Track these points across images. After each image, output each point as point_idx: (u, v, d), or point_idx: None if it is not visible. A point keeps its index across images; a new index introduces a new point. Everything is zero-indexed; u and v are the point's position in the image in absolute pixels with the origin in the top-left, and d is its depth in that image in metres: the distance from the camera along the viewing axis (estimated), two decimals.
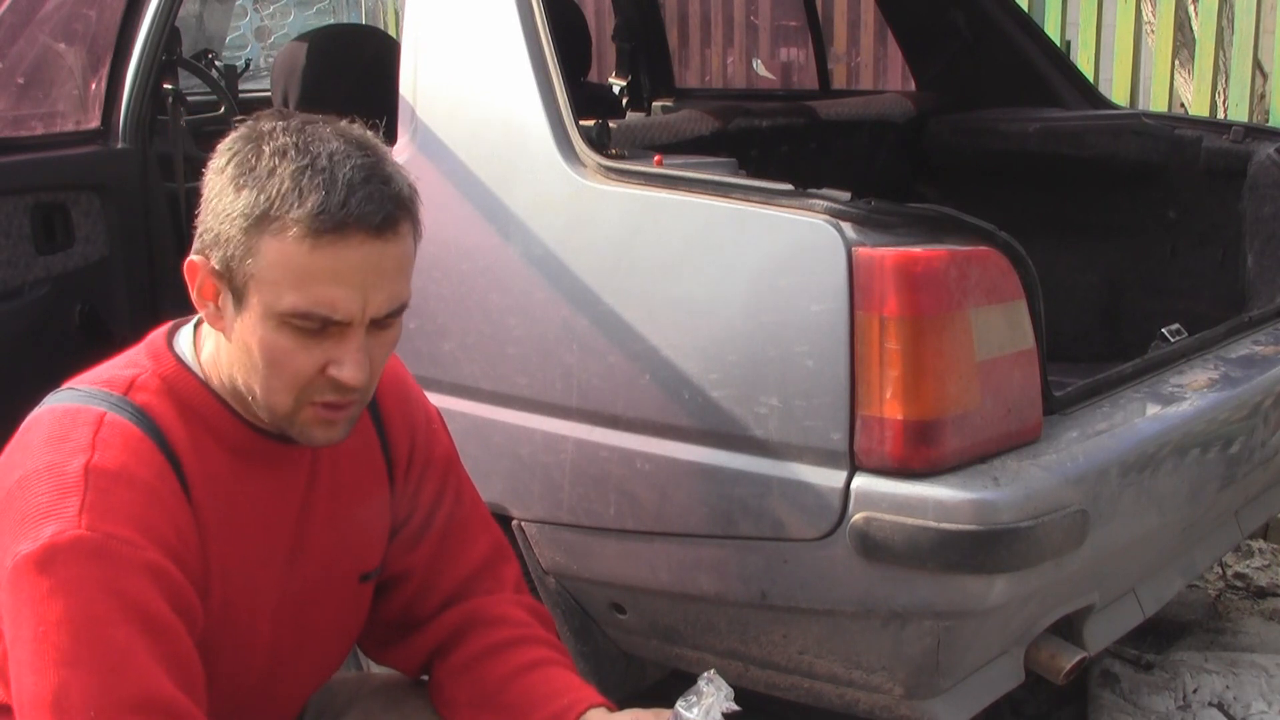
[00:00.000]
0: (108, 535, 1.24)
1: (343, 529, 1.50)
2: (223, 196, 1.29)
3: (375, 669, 1.86)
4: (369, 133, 1.35)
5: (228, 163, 1.30)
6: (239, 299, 1.31)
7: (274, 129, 1.30)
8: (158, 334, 1.43)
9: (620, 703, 2.11)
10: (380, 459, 1.55)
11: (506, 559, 1.65)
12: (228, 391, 1.37)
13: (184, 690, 1.25)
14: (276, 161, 1.27)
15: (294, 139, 1.29)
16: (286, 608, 1.45)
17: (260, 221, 1.27)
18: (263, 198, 1.26)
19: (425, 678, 1.61)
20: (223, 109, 3.07)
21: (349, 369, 1.29)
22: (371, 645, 1.65)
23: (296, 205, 1.25)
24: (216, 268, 1.31)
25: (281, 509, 1.44)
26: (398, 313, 1.34)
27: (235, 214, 1.28)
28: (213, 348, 1.38)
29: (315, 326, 1.29)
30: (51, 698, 1.21)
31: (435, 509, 1.59)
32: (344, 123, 1.34)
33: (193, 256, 1.35)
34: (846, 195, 1.79)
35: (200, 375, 1.38)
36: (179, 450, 1.34)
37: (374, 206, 1.27)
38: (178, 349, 1.41)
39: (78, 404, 1.34)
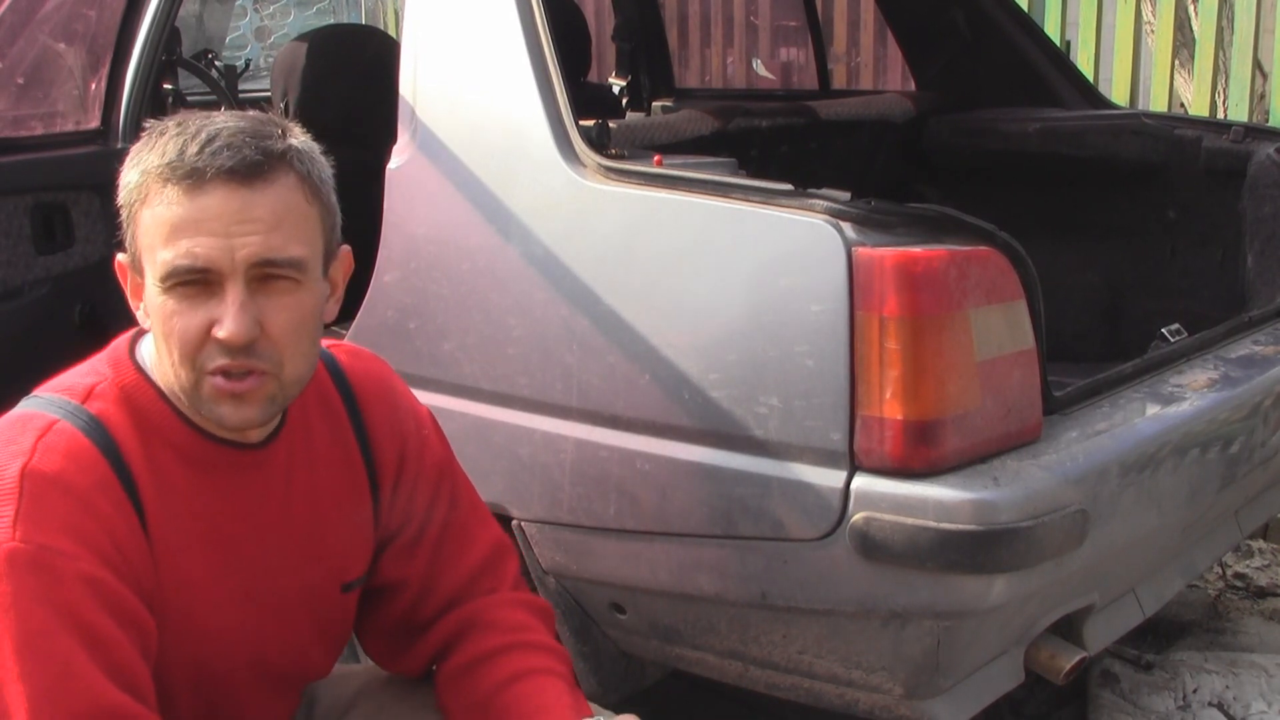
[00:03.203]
0: (41, 547, 1.22)
1: (320, 539, 1.48)
2: (121, 190, 1.32)
3: None
4: (282, 119, 1.36)
5: (128, 161, 1.33)
6: (143, 280, 1.32)
7: (169, 122, 1.33)
8: (120, 341, 1.42)
9: (620, 703, 2.12)
10: (361, 467, 1.53)
11: (506, 555, 1.64)
12: (175, 397, 1.36)
13: (131, 696, 1.24)
14: (157, 140, 1.31)
15: (182, 123, 1.31)
16: (264, 618, 1.44)
17: (138, 193, 1.30)
18: (138, 171, 1.30)
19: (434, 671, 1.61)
20: (222, 109, 3.07)
21: (227, 323, 1.27)
22: (377, 654, 1.64)
23: (156, 161, 1.28)
24: (128, 259, 1.34)
25: (251, 518, 1.42)
26: (286, 268, 1.30)
27: (125, 200, 1.31)
28: (152, 353, 1.37)
29: (195, 285, 1.28)
30: None
31: (429, 517, 1.58)
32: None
33: (118, 258, 1.37)
34: (846, 195, 1.79)
35: (158, 384, 1.37)
36: (131, 460, 1.33)
37: (231, 154, 1.27)
38: (139, 357, 1.39)
39: (34, 410, 1.33)
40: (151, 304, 1.31)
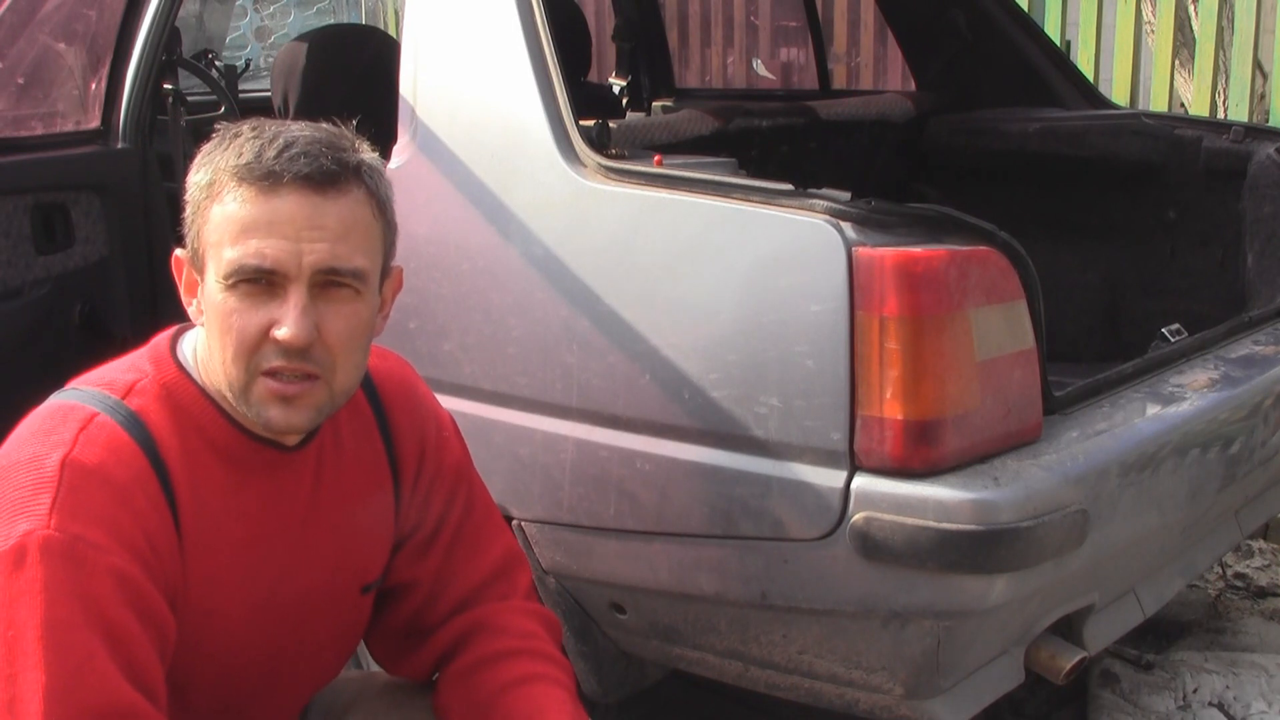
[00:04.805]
0: (75, 537, 1.23)
1: (345, 539, 1.49)
2: (189, 189, 1.34)
3: (377, 667, 1.86)
4: (354, 134, 1.38)
5: (199, 160, 1.35)
6: (202, 277, 1.34)
7: (244, 126, 1.34)
8: (162, 338, 1.43)
9: (620, 703, 2.11)
10: (385, 465, 1.54)
11: (519, 565, 1.65)
12: (220, 396, 1.37)
13: (144, 696, 1.25)
14: (232, 142, 1.32)
15: (258, 128, 1.33)
16: (285, 618, 1.45)
17: (208, 190, 1.31)
18: (210, 170, 1.32)
19: (436, 676, 1.61)
20: (223, 109, 3.07)
21: (288, 326, 1.29)
22: (384, 657, 1.65)
23: (233, 161, 1.30)
24: (188, 254, 1.35)
25: (281, 519, 1.43)
26: (349, 277, 1.32)
27: (193, 197, 1.32)
28: (203, 349, 1.38)
29: (259, 284, 1.29)
30: (8, 701, 1.20)
31: (444, 520, 1.59)
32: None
33: (176, 252, 1.39)
34: (846, 195, 1.79)
35: (199, 383, 1.38)
36: (168, 458, 1.34)
37: (308, 161, 1.29)
38: (180, 355, 1.40)
39: (74, 402, 1.34)
40: (210, 300, 1.32)
